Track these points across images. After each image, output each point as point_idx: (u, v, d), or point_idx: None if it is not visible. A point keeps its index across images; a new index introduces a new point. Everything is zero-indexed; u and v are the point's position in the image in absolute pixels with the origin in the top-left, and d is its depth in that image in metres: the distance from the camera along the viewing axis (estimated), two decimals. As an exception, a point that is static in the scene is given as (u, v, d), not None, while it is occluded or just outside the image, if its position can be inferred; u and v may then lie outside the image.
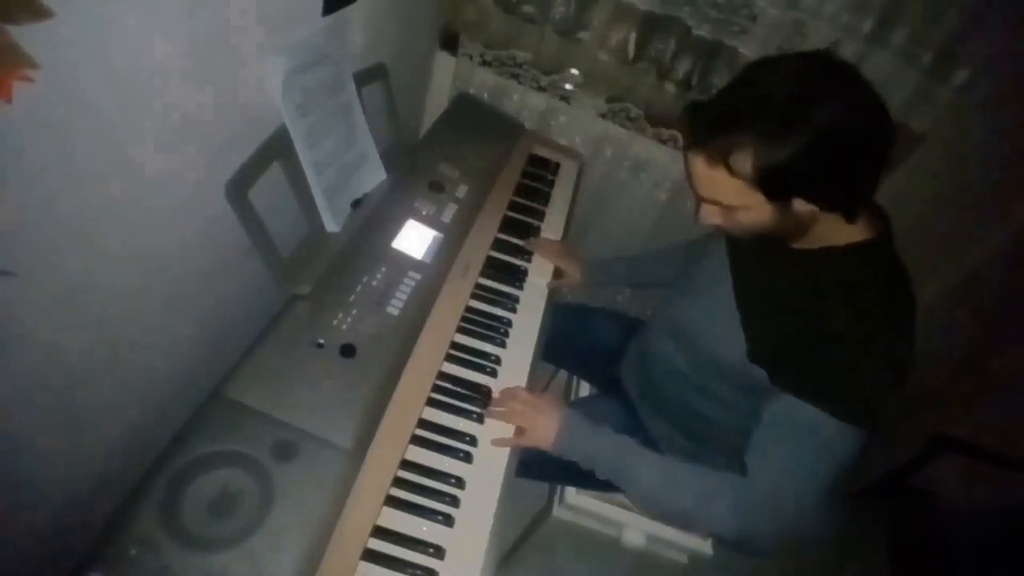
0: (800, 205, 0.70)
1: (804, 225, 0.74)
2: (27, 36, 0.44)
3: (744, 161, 0.66)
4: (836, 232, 0.76)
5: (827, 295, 0.74)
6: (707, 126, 0.69)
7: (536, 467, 0.97)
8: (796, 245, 0.79)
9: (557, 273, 1.19)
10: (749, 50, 1.43)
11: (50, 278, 0.58)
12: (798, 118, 0.64)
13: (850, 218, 0.73)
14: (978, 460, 1.65)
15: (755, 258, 0.85)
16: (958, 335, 1.81)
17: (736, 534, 0.77)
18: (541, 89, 1.60)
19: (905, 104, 1.42)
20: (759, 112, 0.65)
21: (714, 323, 0.86)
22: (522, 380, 0.98)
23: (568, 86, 1.58)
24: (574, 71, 1.56)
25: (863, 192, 0.72)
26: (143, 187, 0.66)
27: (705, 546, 1.10)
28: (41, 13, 0.44)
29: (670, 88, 1.52)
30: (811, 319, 0.74)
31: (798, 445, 0.73)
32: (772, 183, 0.67)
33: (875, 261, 0.76)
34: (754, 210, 0.72)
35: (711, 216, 0.78)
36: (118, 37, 0.54)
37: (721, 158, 0.68)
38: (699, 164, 0.71)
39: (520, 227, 1.24)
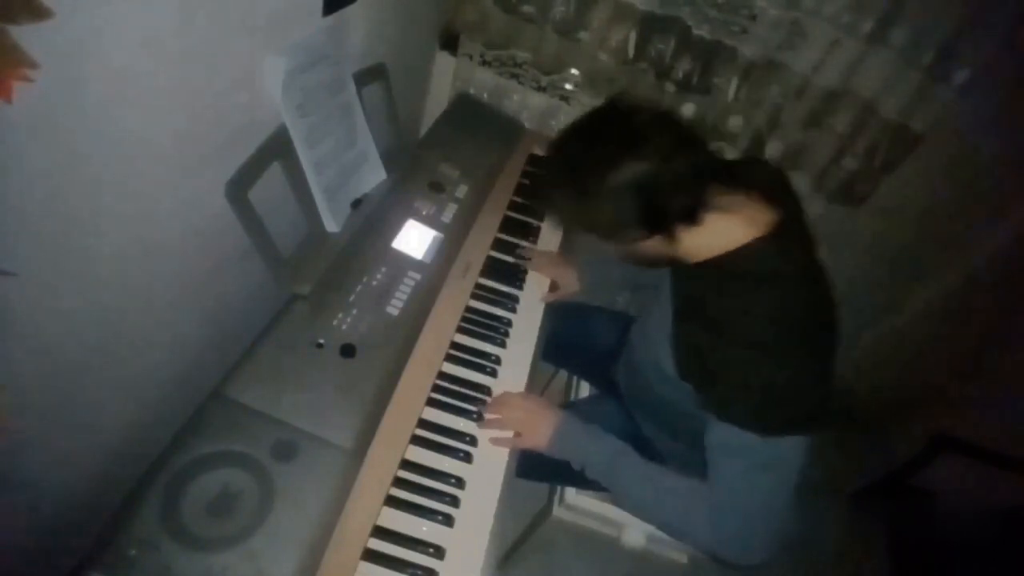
0: (638, 239, 0.74)
1: (658, 250, 0.76)
2: (27, 36, 0.44)
3: (561, 219, 0.81)
4: (718, 239, 0.74)
5: (718, 306, 0.74)
6: (531, 196, 0.82)
7: (536, 467, 0.97)
8: (695, 260, 0.77)
9: (552, 285, 1.17)
10: (749, 50, 1.43)
11: (50, 278, 0.58)
12: (593, 182, 0.69)
13: (675, 232, 0.72)
14: (978, 460, 1.65)
15: (680, 276, 0.85)
16: (958, 335, 1.81)
17: (713, 545, 0.77)
18: (541, 89, 1.60)
19: (905, 104, 1.42)
20: (563, 182, 0.73)
21: (660, 345, 0.85)
22: (522, 380, 0.98)
23: (568, 86, 1.59)
24: (574, 71, 1.57)
25: (687, 210, 0.71)
26: (143, 187, 0.66)
27: (705, 546, 1.10)
28: (41, 13, 0.44)
29: (670, 88, 1.53)
30: (708, 336, 0.74)
31: (739, 462, 0.73)
32: (592, 231, 0.75)
33: (762, 260, 0.73)
34: (612, 248, 0.78)
35: (602, 245, 0.82)
36: (118, 37, 0.54)
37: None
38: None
39: (520, 227, 1.24)
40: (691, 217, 0.71)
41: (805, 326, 0.72)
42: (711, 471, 0.76)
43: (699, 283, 0.78)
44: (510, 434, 0.89)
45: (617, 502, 0.87)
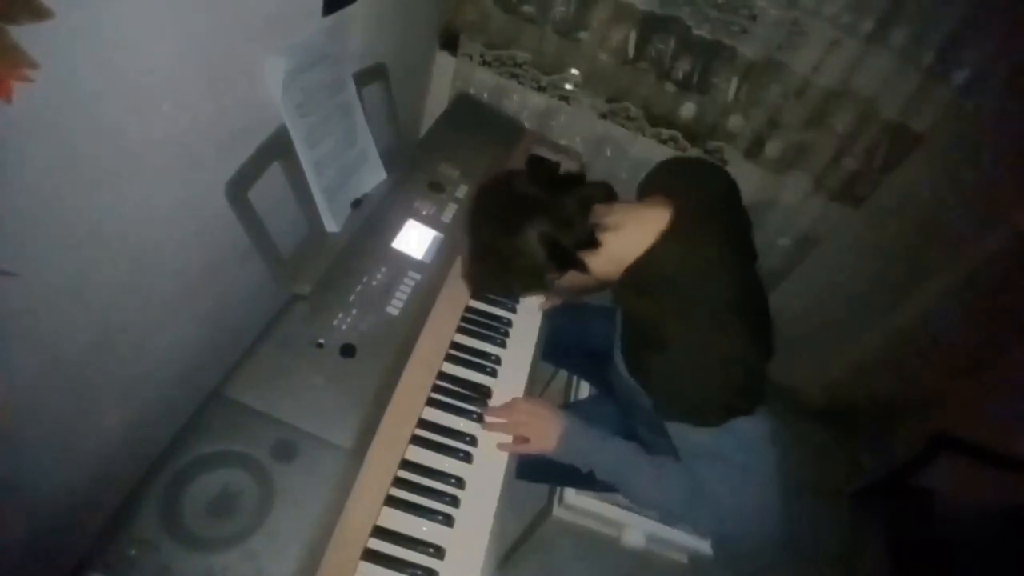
0: (554, 281, 0.83)
1: (579, 282, 0.84)
2: (27, 36, 0.44)
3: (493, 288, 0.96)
4: (622, 251, 0.79)
5: (639, 314, 0.79)
6: (464, 278, 0.97)
7: (536, 468, 0.97)
8: (615, 278, 0.82)
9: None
10: (749, 50, 1.43)
11: (50, 278, 0.58)
12: (502, 252, 0.81)
13: (577, 265, 0.80)
14: (978, 460, 1.65)
15: (615, 293, 0.88)
16: (958, 335, 1.81)
17: (719, 531, 0.83)
18: (541, 89, 1.60)
19: (905, 104, 1.42)
20: (480, 260, 0.86)
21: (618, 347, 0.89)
22: (522, 380, 0.98)
23: (568, 86, 1.59)
24: (574, 71, 1.57)
25: (585, 240, 0.79)
26: (143, 187, 0.66)
27: (705, 546, 1.10)
28: (41, 13, 0.44)
29: (670, 88, 1.53)
30: (640, 339, 0.79)
31: (703, 458, 0.76)
32: (520, 285, 0.87)
33: (664, 260, 0.77)
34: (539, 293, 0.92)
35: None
36: (118, 37, 0.54)
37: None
38: None
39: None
40: (590, 244, 0.79)
41: (721, 313, 0.73)
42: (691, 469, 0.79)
43: (625, 296, 0.83)
44: (511, 438, 0.89)
45: (625, 495, 0.88)
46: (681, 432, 0.77)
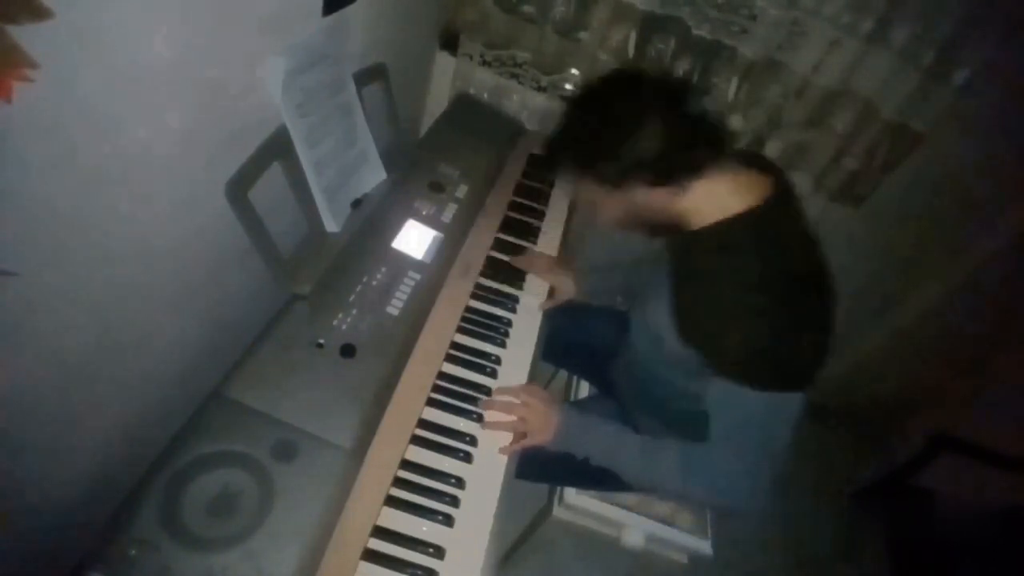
0: (637, 192, 0.78)
1: (658, 206, 0.80)
2: (27, 36, 0.44)
3: (564, 160, 0.83)
4: (715, 208, 0.78)
5: (716, 271, 0.78)
6: (545, 149, 0.86)
7: (536, 468, 0.97)
8: (693, 227, 0.81)
9: (551, 291, 1.17)
10: (749, 50, 1.43)
11: (50, 278, 0.58)
12: (593, 107, 0.79)
13: (681, 183, 0.77)
14: (978, 460, 1.65)
15: (675, 249, 0.90)
16: (958, 335, 1.81)
17: (718, 503, 0.84)
18: (541, 89, 1.60)
19: (905, 104, 1.42)
20: (564, 121, 0.82)
21: (659, 316, 0.88)
22: (522, 380, 0.98)
23: (568, 86, 1.58)
24: (574, 71, 1.56)
25: (697, 162, 0.77)
26: (143, 187, 0.66)
27: (705, 546, 1.10)
28: (41, 13, 0.44)
29: (670, 88, 1.52)
30: (707, 297, 0.78)
31: (735, 419, 0.78)
32: (603, 176, 0.79)
33: (761, 227, 0.77)
34: (610, 205, 0.83)
35: (599, 220, 0.88)
36: (118, 37, 0.54)
37: (554, 169, 0.87)
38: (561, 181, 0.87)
39: (520, 227, 1.24)
40: (699, 170, 0.77)
41: (796, 292, 0.75)
42: (711, 427, 0.80)
43: (698, 250, 0.82)
44: (510, 440, 0.89)
45: (622, 476, 0.89)
46: (729, 397, 0.76)
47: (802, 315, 0.74)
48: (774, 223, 0.78)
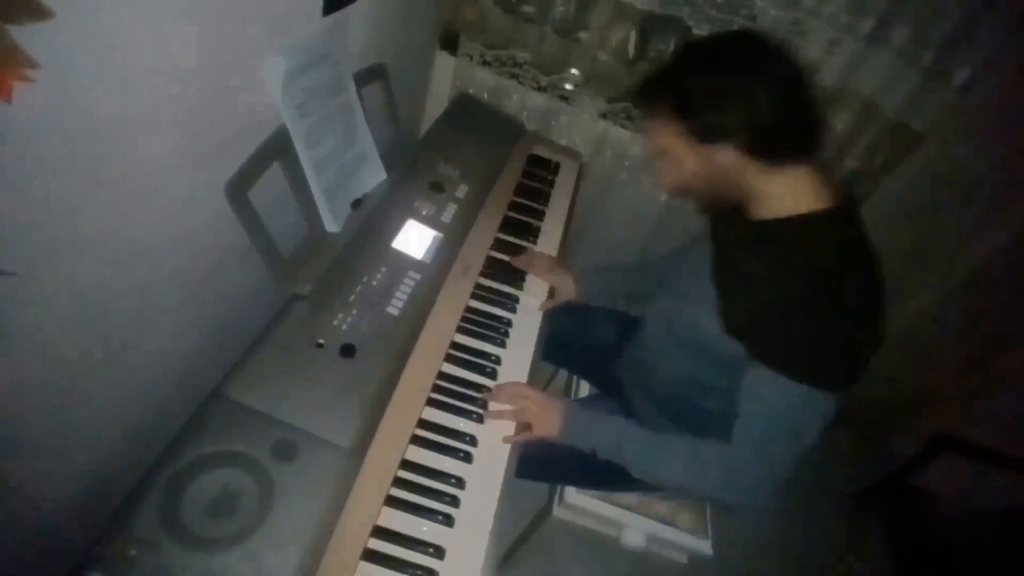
0: (723, 154, 0.76)
1: (735, 177, 0.78)
2: (27, 36, 0.44)
3: (663, 98, 0.78)
4: (790, 200, 0.78)
5: (781, 264, 0.77)
6: (645, 81, 0.82)
7: (536, 466, 0.97)
8: (756, 216, 0.81)
9: (550, 292, 1.17)
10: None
11: (50, 278, 0.58)
12: (706, 61, 0.76)
13: (773, 162, 0.76)
14: (978, 460, 1.65)
15: (729, 236, 0.89)
16: (958, 335, 1.81)
17: (727, 498, 0.82)
18: (541, 89, 1.60)
19: (905, 104, 1.42)
20: (676, 61, 0.80)
21: (698, 307, 0.87)
22: (522, 380, 0.98)
23: (568, 86, 1.58)
24: (574, 71, 1.56)
25: (794, 146, 0.76)
26: (143, 187, 0.66)
27: (705, 546, 1.10)
28: (41, 13, 0.44)
29: (670, 88, 1.52)
30: (768, 288, 0.77)
31: (771, 411, 0.77)
32: (685, 110, 0.76)
33: (829, 229, 0.77)
34: (687, 159, 0.79)
35: (662, 175, 0.85)
36: (118, 37, 0.54)
37: (649, 102, 0.81)
38: (644, 121, 0.84)
39: (520, 227, 1.24)
40: (799, 155, 0.76)
41: (856, 298, 0.74)
42: (737, 426, 0.80)
43: (761, 240, 0.81)
44: (513, 430, 0.89)
45: (629, 469, 0.88)
46: (767, 386, 0.76)
47: (858, 322, 0.74)
48: (847, 229, 0.78)
